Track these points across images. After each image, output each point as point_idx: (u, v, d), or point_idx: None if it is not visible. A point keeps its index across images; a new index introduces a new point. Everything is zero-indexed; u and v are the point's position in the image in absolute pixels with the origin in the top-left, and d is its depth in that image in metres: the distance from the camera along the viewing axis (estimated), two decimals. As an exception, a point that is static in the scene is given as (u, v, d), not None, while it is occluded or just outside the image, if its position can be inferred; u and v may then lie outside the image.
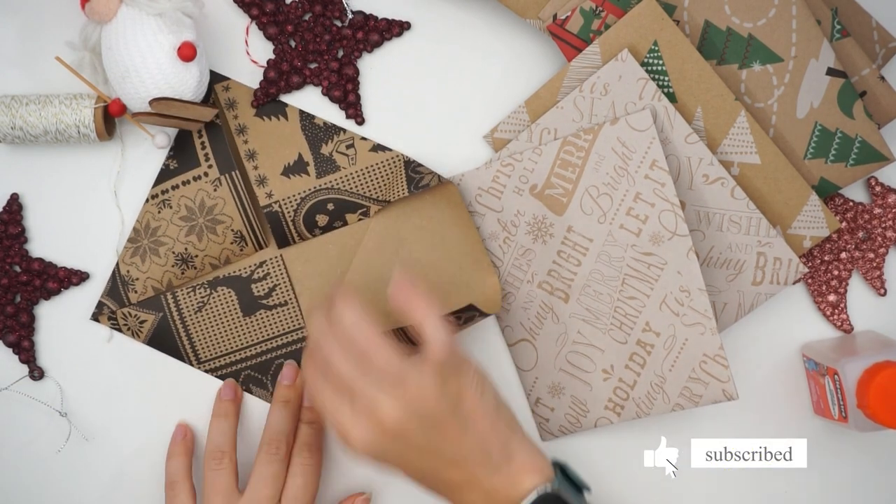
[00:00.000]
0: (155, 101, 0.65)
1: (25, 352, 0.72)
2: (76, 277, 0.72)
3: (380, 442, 0.60)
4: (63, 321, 0.73)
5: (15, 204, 0.72)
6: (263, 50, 0.72)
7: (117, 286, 0.72)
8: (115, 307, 0.72)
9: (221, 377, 0.73)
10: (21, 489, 0.73)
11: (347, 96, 0.72)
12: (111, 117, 0.71)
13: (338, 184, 0.72)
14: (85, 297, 0.73)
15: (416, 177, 0.70)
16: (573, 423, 0.72)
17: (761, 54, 0.69)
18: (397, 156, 0.72)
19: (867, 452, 0.74)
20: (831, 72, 0.69)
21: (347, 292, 0.63)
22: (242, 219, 0.71)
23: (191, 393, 0.73)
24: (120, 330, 0.72)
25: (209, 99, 0.71)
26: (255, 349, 0.73)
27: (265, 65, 0.71)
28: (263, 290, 0.72)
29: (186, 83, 0.66)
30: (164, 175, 0.72)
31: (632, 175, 0.69)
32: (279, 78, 0.71)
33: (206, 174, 0.71)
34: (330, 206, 0.72)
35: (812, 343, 0.73)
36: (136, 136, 0.72)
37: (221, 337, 0.72)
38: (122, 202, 0.73)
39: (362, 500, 0.72)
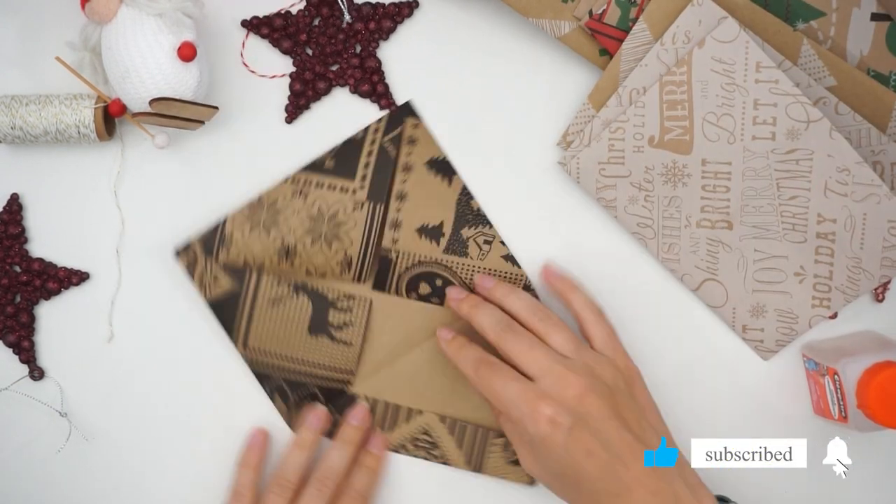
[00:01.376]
0: (155, 101, 0.65)
1: (25, 352, 0.72)
2: (76, 277, 0.72)
3: (567, 418, 0.62)
4: (63, 321, 0.73)
5: (15, 204, 0.72)
6: (282, 63, 0.72)
7: (214, 238, 0.71)
8: (200, 254, 0.71)
9: (255, 372, 0.72)
10: (21, 489, 0.73)
11: (376, 88, 0.72)
12: (111, 117, 0.71)
13: (458, 268, 0.72)
14: (85, 297, 0.73)
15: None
16: (788, 334, 0.72)
17: (803, 12, 0.69)
18: (522, 275, 0.72)
19: (867, 452, 0.74)
20: (875, 16, 0.69)
21: (512, 287, 0.70)
22: (360, 248, 0.71)
23: (191, 393, 0.73)
24: (191, 277, 0.71)
25: (398, 127, 0.71)
26: (300, 366, 0.72)
27: (289, 78, 0.71)
28: (338, 321, 0.72)
29: (186, 83, 0.66)
30: (315, 167, 0.71)
31: (742, 86, 0.68)
32: (305, 88, 0.71)
33: (354, 192, 0.71)
34: (438, 282, 0.72)
35: (812, 343, 0.73)
36: (136, 136, 0.72)
37: (278, 338, 0.72)
38: (122, 202, 0.73)
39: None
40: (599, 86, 0.71)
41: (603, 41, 0.70)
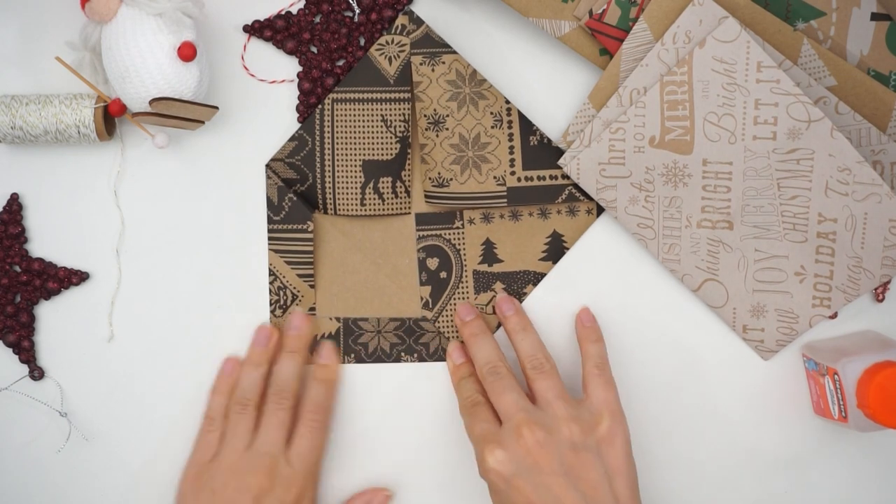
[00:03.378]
0: (155, 101, 0.65)
1: (25, 352, 0.72)
2: (76, 277, 0.72)
3: (510, 467, 0.63)
4: (63, 321, 0.73)
5: (15, 204, 0.72)
6: (289, 64, 0.72)
7: (435, 46, 0.70)
8: (417, 35, 0.70)
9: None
10: (21, 489, 0.73)
11: None
12: (111, 117, 0.71)
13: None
14: (85, 297, 0.73)
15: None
16: (788, 334, 0.72)
17: (803, 12, 0.69)
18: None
19: (867, 452, 0.74)
20: (875, 16, 0.69)
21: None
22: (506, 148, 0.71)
23: (191, 393, 0.73)
24: (393, 36, 0.71)
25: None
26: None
27: (296, 78, 0.72)
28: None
29: (186, 83, 0.66)
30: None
31: (743, 86, 0.68)
32: (314, 86, 0.71)
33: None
34: (443, 265, 0.73)
35: (812, 343, 0.73)
36: (136, 136, 0.72)
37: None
38: (122, 202, 0.73)
39: (383, 496, 0.72)
40: (599, 86, 0.71)
41: (603, 41, 0.70)
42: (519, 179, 0.71)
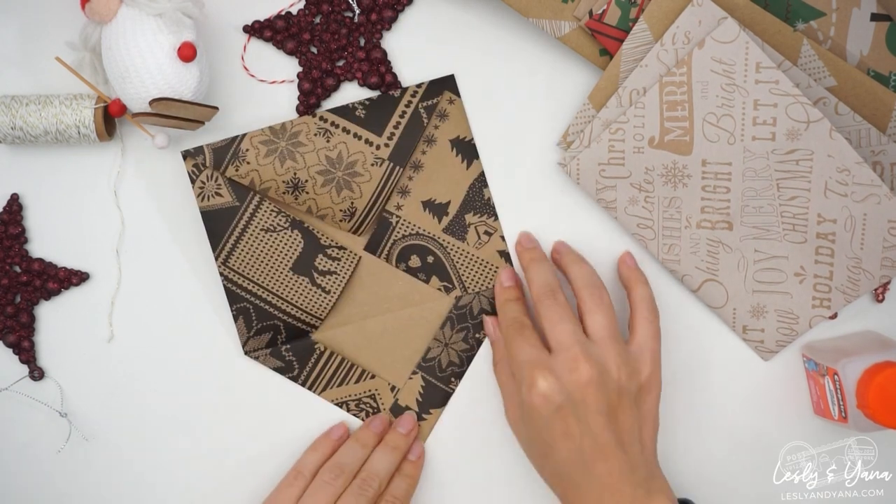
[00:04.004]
0: (155, 102, 0.65)
1: (25, 352, 0.72)
2: (76, 277, 0.72)
3: (560, 397, 0.64)
4: (63, 321, 0.73)
5: (15, 204, 0.72)
6: (289, 64, 0.72)
7: (227, 151, 0.70)
8: (209, 163, 0.70)
9: (227, 290, 0.71)
10: (21, 489, 0.73)
11: (385, 79, 0.72)
12: (111, 117, 0.71)
13: (452, 251, 0.72)
14: (85, 297, 0.73)
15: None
16: (788, 334, 0.72)
17: (803, 12, 0.69)
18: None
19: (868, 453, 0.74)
20: (875, 17, 0.69)
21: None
22: (367, 204, 0.71)
23: (191, 393, 0.73)
24: (192, 182, 0.70)
25: (435, 97, 0.71)
26: (272, 299, 0.72)
27: (296, 78, 0.72)
28: (324, 266, 0.72)
29: (186, 83, 0.66)
30: (345, 112, 0.71)
31: (742, 87, 0.68)
32: (314, 86, 0.71)
33: (377, 147, 0.71)
34: (430, 259, 0.72)
35: (812, 343, 0.73)
36: (136, 136, 0.72)
37: (260, 265, 0.71)
38: (122, 202, 0.73)
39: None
40: (599, 86, 0.71)
41: (603, 41, 0.70)
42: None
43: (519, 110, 0.73)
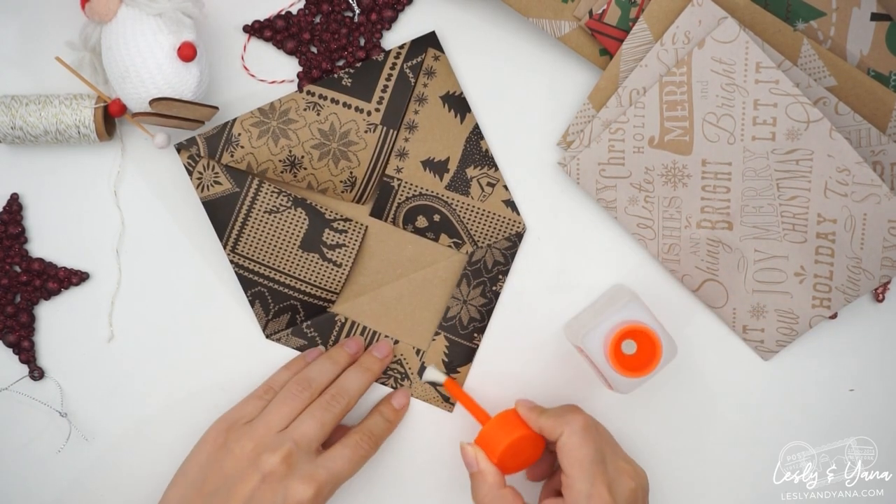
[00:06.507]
0: (155, 101, 0.65)
1: (25, 352, 0.72)
2: (76, 277, 0.72)
3: None
4: (63, 321, 0.73)
5: (15, 204, 0.72)
6: (289, 64, 0.72)
7: (220, 138, 0.70)
8: (204, 153, 0.70)
9: (239, 276, 0.71)
10: (21, 489, 0.73)
11: None
12: (111, 117, 0.71)
13: (458, 206, 0.72)
14: (85, 297, 0.73)
15: (510, 245, 0.72)
16: (788, 334, 0.72)
17: (803, 12, 0.69)
18: (520, 222, 0.72)
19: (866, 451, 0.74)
20: (875, 17, 0.69)
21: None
22: (366, 171, 0.71)
23: (191, 393, 0.73)
24: (190, 173, 0.70)
25: (419, 56, 0.71)
26: (287, 279, 0.72)
27: (296, 78, 0.72)
28: (332, 240, 0.71)
29: (186, 83, 0.66)
30: (332, 83, 0.71)
31: (742, 86, 0.68)
32: None
33: (368, 113, 0.71)
34: (436, 217, 0.72)
35: (567, 325, 0.73)
36: (136, 136, 0.72)
37: (269, 248, 0.71)
38: (122, 202, 0.73)
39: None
40: (599, 86, 0.71)
41: (603, 41, 0.70)
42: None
43: (519, 110, 0.73)
